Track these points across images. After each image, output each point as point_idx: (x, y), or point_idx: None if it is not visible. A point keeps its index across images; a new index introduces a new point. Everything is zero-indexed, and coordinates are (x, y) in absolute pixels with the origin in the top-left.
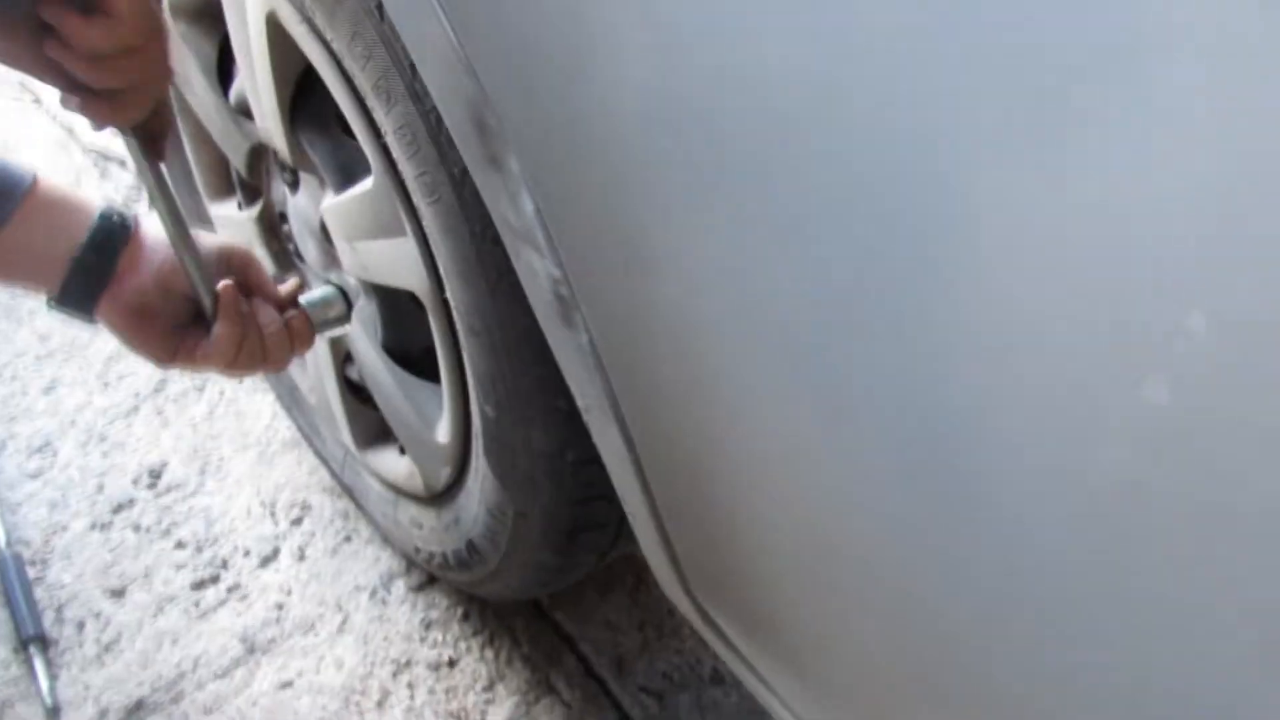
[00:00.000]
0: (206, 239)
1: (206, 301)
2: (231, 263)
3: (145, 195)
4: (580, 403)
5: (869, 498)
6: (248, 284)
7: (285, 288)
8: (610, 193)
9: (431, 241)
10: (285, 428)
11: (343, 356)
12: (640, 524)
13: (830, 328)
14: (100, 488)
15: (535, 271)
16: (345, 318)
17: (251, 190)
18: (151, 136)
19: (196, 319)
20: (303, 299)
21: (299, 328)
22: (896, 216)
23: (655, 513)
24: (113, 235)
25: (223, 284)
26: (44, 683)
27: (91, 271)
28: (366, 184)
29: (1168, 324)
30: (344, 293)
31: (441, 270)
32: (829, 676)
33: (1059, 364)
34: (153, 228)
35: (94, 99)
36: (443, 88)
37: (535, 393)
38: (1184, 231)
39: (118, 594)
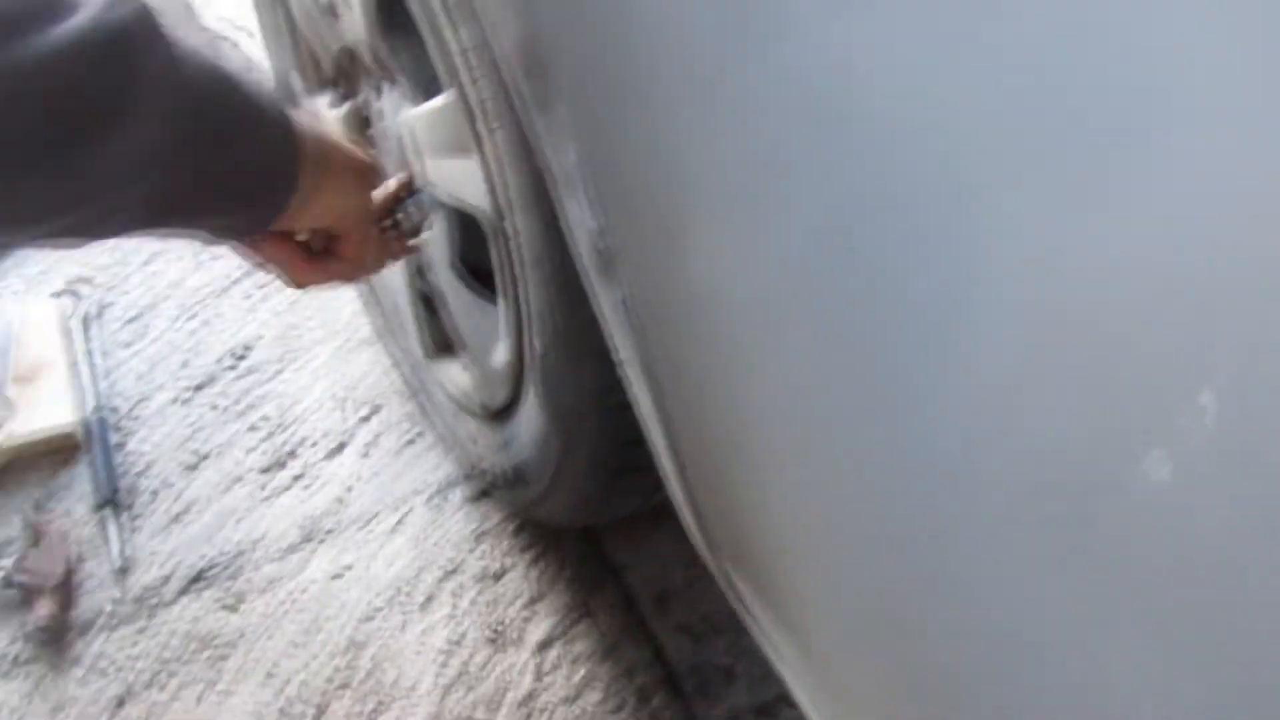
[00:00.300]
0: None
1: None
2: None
3: None
4: (616, 355)
5: (887, 485)
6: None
7: (389, 187)
8: (648, 154)
9: (494, 169)
10: (365, 324)
11: (415, 266)
12: (670, 480)
13: (860, 322)
14: (185, 363)
15: (577, 221)
16: (430, 225)
17: (342, 90)
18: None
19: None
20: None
21: (397, 240)
22: (923, 228)
23: (683, 473)
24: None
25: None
26: (115, 544)
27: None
28: (440, 100)
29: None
30: (431, 199)
31: (501, 199)
32: (834, 665)
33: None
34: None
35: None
36: (495, 22)
37: (584, 334)
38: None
39: (191, 468)
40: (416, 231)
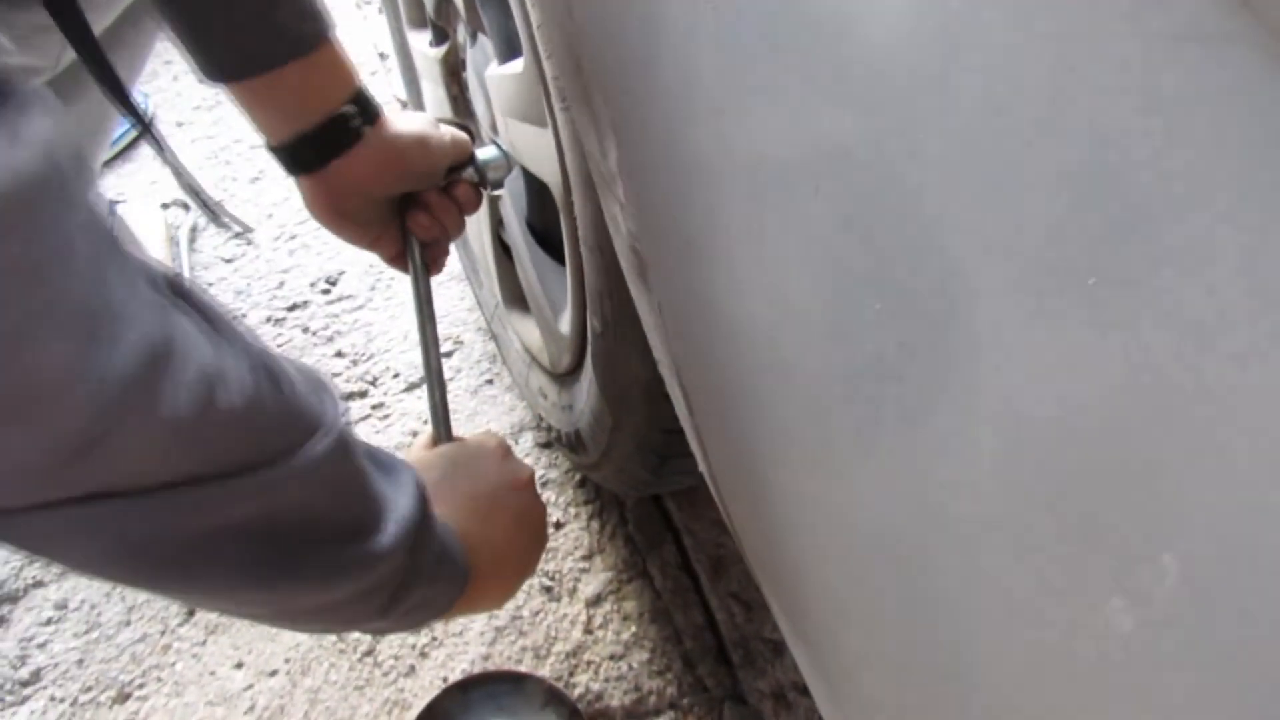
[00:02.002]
0: (437, 129)
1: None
2: (459, 152)
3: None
4: (656, 357)
5: (892, 519)
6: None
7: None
8: (677, 170)
9: (563, 145)
10: (454, 260)
11: (499, 217)
12: (706, 478)
13: (880, 361)
14: (281, 284)
15: (617, 222)
16: (503, 179)
17: (440, 31)
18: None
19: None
20: (478, 154)
21: (467, 195)
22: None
23: (712, 474)
24: (346, 127)
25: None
26: None
27: (314, 150)
28: (519, 66)
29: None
30: (505, 154)
31: (569, 177)
32: (843, 687)
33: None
34: (390, 128)
35: None
36: (547, 15)
37: (637, 321)
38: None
39: None
40: (497, 184)
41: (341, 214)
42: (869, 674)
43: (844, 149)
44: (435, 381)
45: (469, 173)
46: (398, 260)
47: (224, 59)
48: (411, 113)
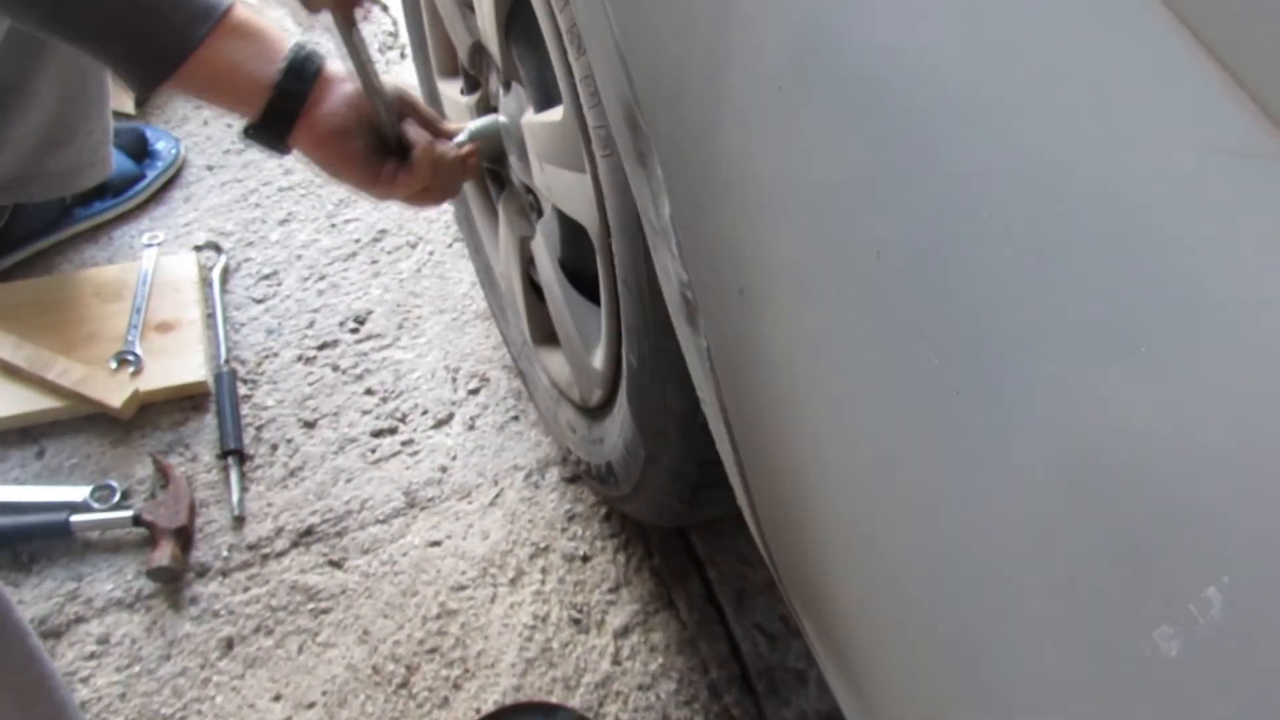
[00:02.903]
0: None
1: (389, 129)
2: (404, 103)
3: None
4: (698, 395)
5: (927, 545)
6: (419, 120)
7: (448, 126)
8: (735, 221)
9: (603, 190)
10: (480, 299)
11: (528, 256)
12: (746, 514)
13: (916, 416)
14: (311, 323)
15: (668, 270)
16: (501, 150)
17: (473, 80)
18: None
19: (384, 150)
20: (469, 126)
21: (469, 159)
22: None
23: (754, 512)
24: (307, 63)
25: (412, 128)
26: (235, 493)
27: (291, 94)
28: (558, 114)
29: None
30: (501, 125)
31: (609, 219)
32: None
33: None
34: (338, 66)
35: None
36: (604, 76)
37: (674, 356)
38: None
39: (309, 425)
40: (487, 155)
41: (350, 157)
42: (910, 704)
43: (904, 226)
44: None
45: (464, 139)
46: (419, 197)
47: (145, 62)
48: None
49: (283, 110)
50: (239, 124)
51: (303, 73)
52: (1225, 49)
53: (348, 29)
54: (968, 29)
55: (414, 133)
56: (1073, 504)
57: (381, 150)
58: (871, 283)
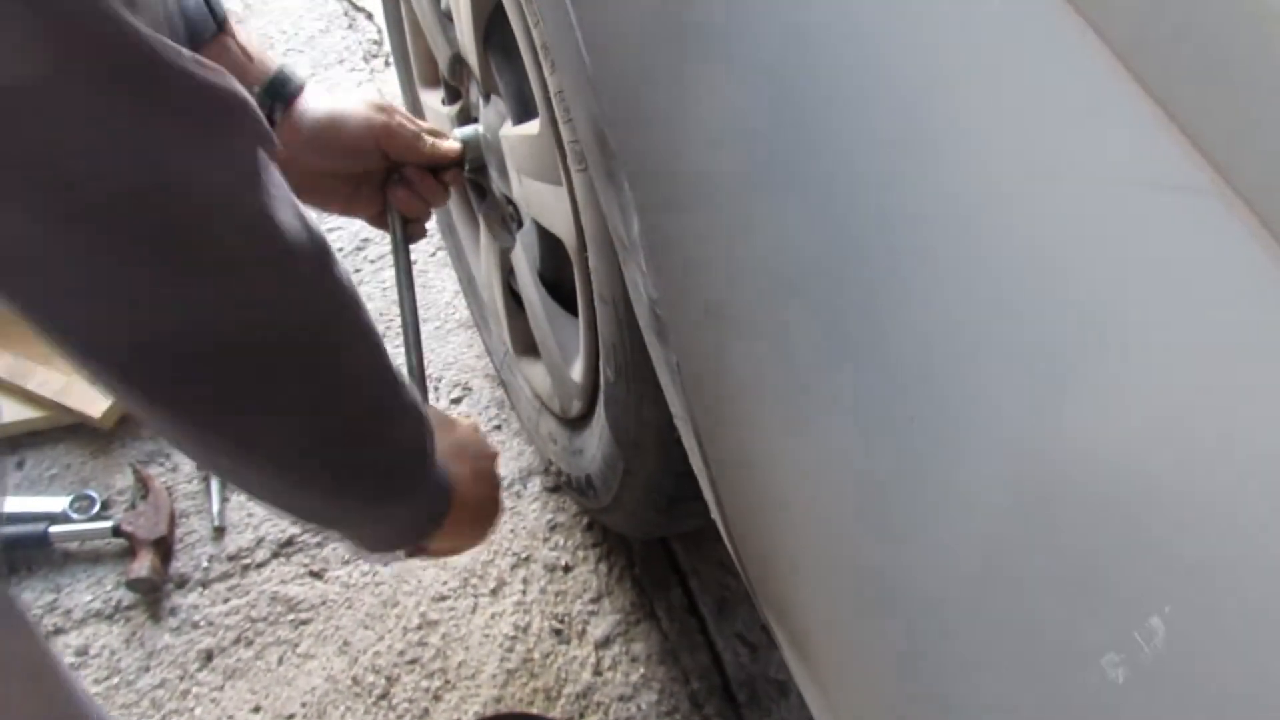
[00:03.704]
0: (356, 108)
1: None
2: (377, 135)
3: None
4: (670, 409)
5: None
6: (396, 149)
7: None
8: (700, 238)
9: (578, 204)
10: (463, 307)
11: (508, 267)
12: (719, 525)
13: (885, 423)
14: None
15: (638, 286)
16: (482, 160)
17: (454, 90)
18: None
19: (360, 179)
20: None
21: (453, 181)
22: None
23: (726, 524)
24: (280, 91)
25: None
26: (216, 504)
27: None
28: (534, 127)
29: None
30: (481, 136)
31: (584, 233)
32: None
33: None
34: (316, 88)
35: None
36: (573, 93)
37: (648, 370)
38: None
39: None
40: (472, 164)
41: (299, 190)
42: (873, 715)
43: (862, 247)
44: (414, 345)
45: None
46: (377, 220)
47: None
48: (340, 93)
49: None
50: None
51: (277, 98)
52: (1158, 85)
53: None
54: (917, 54)
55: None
56: (1021, 529)
57: (359, 180)
58: (830, 304)
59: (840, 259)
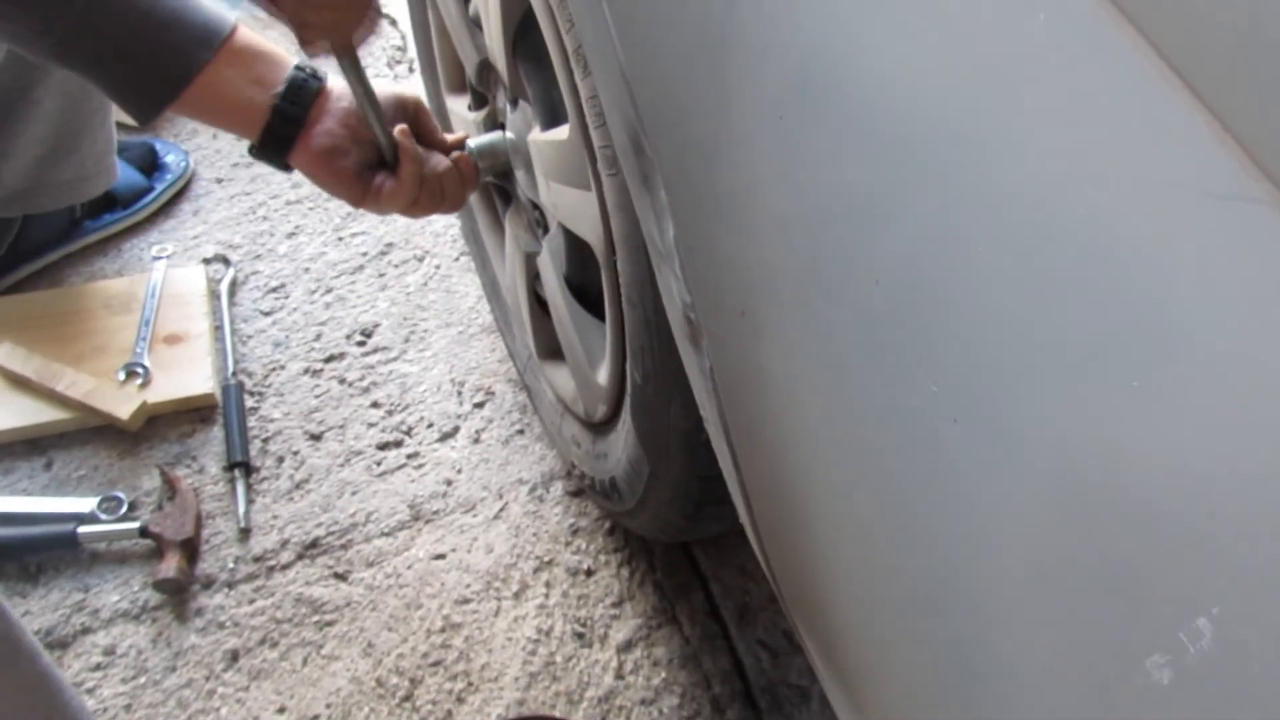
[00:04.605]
0: (383, 88)
1: (385, 144)
2: (405, 110)
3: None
4: (701, 413)
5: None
6: (420, 131)
7: (452, 138)
8: (737, 244)
9: (608, 208)
10: (486, 313)
11: (534, 272)
12: (748, 531)
13: (917, 442)
14: (318, 336)
15: (671, 291)
16: (507, 165)
17: (480, 96)
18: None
19: (380, 165)
20: (470, 143)
21: (466, 169)
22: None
23: (756, 528)
24: (306, 86)
25: (399, 128)
26: (242, 505)
27: (289, 118)
28: (564, 132)
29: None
30: (508, 141)
31: (614, 237)
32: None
33: None
34: (338, 83)
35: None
36: (608, 98)
37: (678, 374)
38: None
39: (315, 438)
40: (496, 169)
41: (340, 175)
42: (907, 718)
43: (905, 249)
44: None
45: (467, 151)
46: (414, 209)
47: (147, 88)
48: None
49: (280, 133)
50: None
51: (301, 95)
52: (1212, 95)
53: (343, 56)
54: (962, 60)
55: (407, 146)
56: (1066, 530)
57: (377, 165)
58: (870, 307)
59: (879, 265)
